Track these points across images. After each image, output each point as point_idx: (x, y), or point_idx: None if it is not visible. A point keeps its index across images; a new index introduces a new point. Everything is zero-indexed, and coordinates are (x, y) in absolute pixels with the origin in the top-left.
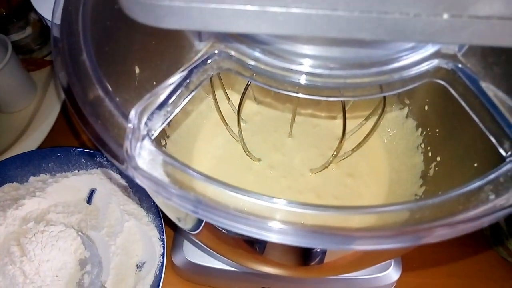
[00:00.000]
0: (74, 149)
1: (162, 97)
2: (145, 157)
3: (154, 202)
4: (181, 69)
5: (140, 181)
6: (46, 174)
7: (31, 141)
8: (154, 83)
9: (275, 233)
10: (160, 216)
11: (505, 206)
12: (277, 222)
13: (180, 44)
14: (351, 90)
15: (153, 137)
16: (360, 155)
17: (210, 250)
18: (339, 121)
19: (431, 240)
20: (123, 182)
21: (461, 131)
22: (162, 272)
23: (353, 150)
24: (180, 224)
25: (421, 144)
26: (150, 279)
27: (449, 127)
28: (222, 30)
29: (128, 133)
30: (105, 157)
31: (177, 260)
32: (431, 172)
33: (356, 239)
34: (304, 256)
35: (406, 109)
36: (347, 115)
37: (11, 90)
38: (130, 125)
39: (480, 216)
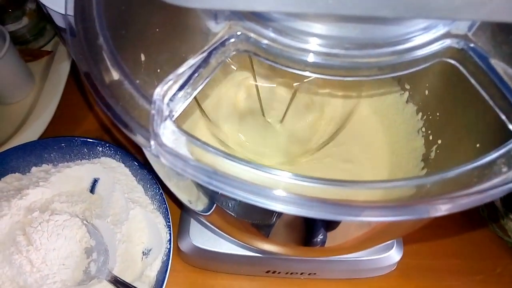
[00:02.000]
0: (76, 138)
1: (183, 79)
2: (169, 137)
3: (159, 190)
4: (201, 51)
5: (166, 159)
6: (48, 164)
7: (32, 132)
8: (173, 65)
9: (283, 202)
10: (165, 203)
11: None
12: (285, 192)
13: (197, 27)
14: (365, 70)
15: (173, 118)
16: (359, 140)
17: (219, 232)
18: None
19: (443, 213)
20: (126, 170)
21: (462, 114)
22: (169, 258)
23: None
24: (191, 206)
25: (421, 128)
26: (157, 265)
27: (450, 111)
28: (249, 9)
29: (153, 114)
30: (108, 146)
31: (184, 246)
32: (433, 154)
33: (366, 209)
34: (311, 234)
35: (406, 94)
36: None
37: (9, 81)
38: (154, 106)
39: (493, 187)
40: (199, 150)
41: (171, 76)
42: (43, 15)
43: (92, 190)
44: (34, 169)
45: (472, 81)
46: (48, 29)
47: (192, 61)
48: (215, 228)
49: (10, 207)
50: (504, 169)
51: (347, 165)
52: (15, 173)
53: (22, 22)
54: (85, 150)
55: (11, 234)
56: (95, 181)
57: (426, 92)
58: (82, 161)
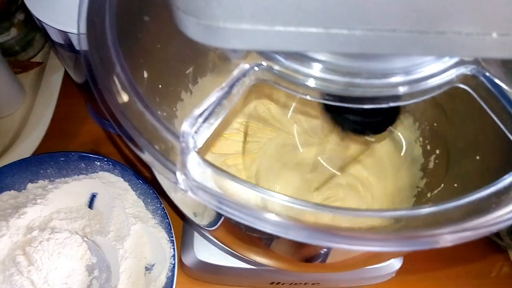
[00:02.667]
0: (73, 153)
1: (208, 111)
2: (195, 170)
3: (160, 204)
4: (224, 83)
5: (194, 194)
6: (44, 180)
7: (26, 147)
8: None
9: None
10: (167, 218)
11: None
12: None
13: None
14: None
15: (196, 149)
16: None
17: (223, 246)
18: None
19: (451, 244)
20: (126, 185)
21: (460, 127)
22: (174, 274)
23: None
24: (196, 220)
25: (419, 137)
26: (162, 281)
27: (447, 122)
28: (283, 49)
29: (182, 148)
30: (106, 161)
31: (187, 260)
32: (431, 164)
33: (372, 240)
34: (316, 254)
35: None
36: None
37: (0, 94)
38: (182, 139)
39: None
40: (223, 181)
41: (198, 109)
42: (32, 26)
43: (90, 205)
44: (30, 185)
45: (484, 106)
46: (37, 40)
47: (217, 93)
48: (219, 243)
49: (8, 226)
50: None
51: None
52: (10, 190)
53: (10, 34)
54: (83, 165)
55: (11, 255)
56: (93, 196)
57: (422, 102)
58: (80, 176)
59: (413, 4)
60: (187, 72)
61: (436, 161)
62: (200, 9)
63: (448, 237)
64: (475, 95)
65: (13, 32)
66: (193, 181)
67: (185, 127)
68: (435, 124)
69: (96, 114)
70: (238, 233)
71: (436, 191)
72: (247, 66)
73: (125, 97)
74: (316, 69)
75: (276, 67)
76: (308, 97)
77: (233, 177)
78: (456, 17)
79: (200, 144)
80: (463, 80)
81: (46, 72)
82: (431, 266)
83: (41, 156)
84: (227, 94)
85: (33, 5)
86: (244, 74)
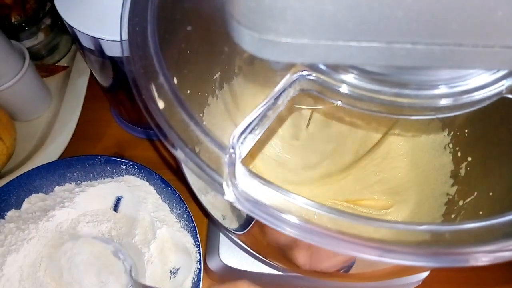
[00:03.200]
0: (100, 157)
1: (255, 122)
2: (242, 181)
3: (186, 208)
4: (271, 94)
5: (242, 205)
6: (71, 183)
7: (53, 150)
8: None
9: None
10: (193, 222)
11: None
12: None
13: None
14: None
15: (241, 159)
16: (382, 155)
17: (250, 251)
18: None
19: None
20: (151, 189)
21: (493, 134)
22: (200, 279)
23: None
24: (224, 223)
25: (448, 144)
26: (187, 285)
27: (479, 129)
28: (341, 63)
29: (229, 159)
30: (131, 165)
31: (212, 264)
32: (462, 172)
33: (403, 254)
34: (346, 265)
35: None
36: None
37: (28, 98)
38: (230, 150)
39: None
40: (269, 192)
41: (246, 120)
42: (58, 31)
43: (115, 208)
44: (57, 188)
45: None
46: (63, 44)
47: (264, 104)
48: (246, 247)
49: (37, 229)
50: None
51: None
52: (38, 193)
53: (37, 38)
54: (109, 168)
55: (39, 259)
56: (118, 200)
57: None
58: (105, 179)
59: (486, 18)
60: (214, 77)
61: (468, 168)
62: (261, 24)
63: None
64: None
65: (40, 36)
66: (242, 192)
67: (233, 139)
68: (466, 131)
69: (120, 117)
70: (266, 237)
71: (469, 199)
72: (294, 77)
73: (169, 107)
74: (364, 81)
75: (323, 78)
76: (355, 109)
77: (279, 188)
78: None
79: (244, 154)
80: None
81: (71, 76)
82: (458, 274)
83: (69, 159)
84: (272, 105)
85: (65, 12)
86: (290, 85)
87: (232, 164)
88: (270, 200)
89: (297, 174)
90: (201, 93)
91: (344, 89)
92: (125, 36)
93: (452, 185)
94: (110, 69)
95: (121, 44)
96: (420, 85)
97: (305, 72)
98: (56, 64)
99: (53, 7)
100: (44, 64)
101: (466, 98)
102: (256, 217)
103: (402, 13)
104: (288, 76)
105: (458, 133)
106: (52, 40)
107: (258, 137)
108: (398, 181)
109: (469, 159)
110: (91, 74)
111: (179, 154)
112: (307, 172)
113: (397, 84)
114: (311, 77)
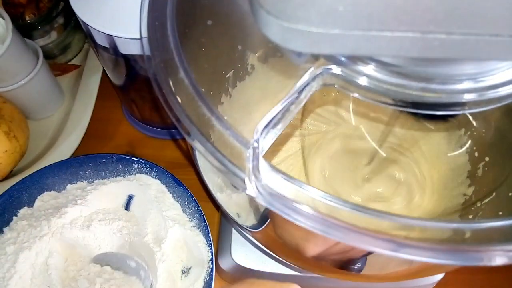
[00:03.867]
0: (112, 155)
1: (278, 117)
2: (265, 176)
3: (198, 207)
4: (294, 89)
5: (266, 201)
6: (83, 182)
7: (65, 148)
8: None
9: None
10: (205, 221)
11: None
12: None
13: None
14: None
15: (263, 154)
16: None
17: (264, 249)
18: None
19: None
20: (163, 187)
21: (510, 132)
22: (212, 278)
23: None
24: (239, 221)
25: (465, 143)
26: (200, 284)
27: (497, 129)
28: (372, 54)
29: (252, 154)
30: (143, 163)
31: (224, 264)
32: (480, 172)
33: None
34: (362, 263)
35: None
36: None
37: (42, 97)
38: (252, 145)
39: None
40: (292, 187)
41: (269, 114)
42: (70, 30)
43: (127, 207)
44: (69, 186)
45: None
46: (75, 43)
47: (286, 98)
48: (261, 245)
49: (50, 226)
50: None
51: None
52: (50, 191)
53: (50, 37)
54: (120, 167)
55: (51, 255)
56: (129, 198)
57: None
58: (117, 178)
59: None
60: (227, 76)
61: (485, 168)
62: (291, 13)
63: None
64: None
65: (53, 35)
66: (265, 186)
67: (256, 134)
68: (483, 131)
69: (132, 116)
70: (284, 236)
71: (487, 200)
72: (318, 71)
73: (189, 102)
74: (388, 75)
75: (347, 72)
76: (380, 104)
77: (302, 184)
78: None
79: (266, 149)
80: None
81: (84, 75)
82: (472, 276)
83: (81, 158)
84: (295, 99)
85: (81, 10)
86: (313, 79)
87: (255, 158)
88: (293, 195)
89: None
90: (214, 92)
91: (368, 83)
92: (144, 32)
93: (469, 186)
94: (123, 66)
95: (141, 42)
96: (445, 80)
97: (330, 66)
98: (69, 63)
99: (66, 6)
100: (56, 63)
101: (492, 94)
102: (278, 212)
103: (438, 2)
104: (311, 69)
105: (475, 133)
106: (65, 39)
107: (280, 131)
108: (415, 181)
109: (487, 159)
110: (103, 73)
111: (200, 147)
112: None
113: (423, 78)
114: (336, 71)
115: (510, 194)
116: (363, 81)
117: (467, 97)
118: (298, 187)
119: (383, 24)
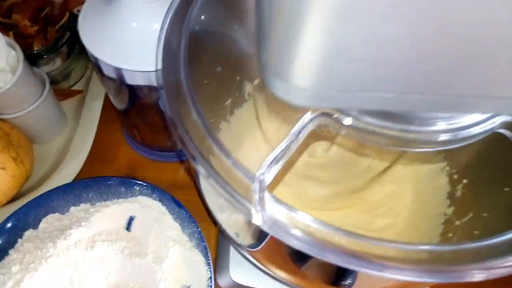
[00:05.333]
0: (115, 178)
1: (280, 154)
2: (270, 207)
3: (197, 228)
4: (295, 130)
5: (271, 229)
6: (86, 204)
7: (69, 172)
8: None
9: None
10: (204, 241)
11: None
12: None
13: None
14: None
15: (266, 186)
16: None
17: (261, 267)
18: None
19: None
20: (163, 209)
21: (487, 160)
22: None
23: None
24: (238, 240)
25: (445, 167)
26: None
27: (474, 155)
28: (360, 107)
29: (258, 187)
30: (145, 186)
31: (222, 281)
32: (459, 193)
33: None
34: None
35: None
36: None
37: (46, 122)
38: (258, 179)
39: None
40: (295, 217)
41: (273, 153)
42: (74, 57)
43: (128, 227)
44: (73, 208)
45: None
46: (78, 69)
47: (288, 139)
48: (258, 264)
49: (55, 247)
50: None
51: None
52: (55, 213)
53: (55, 64)
54: (123, 189)
55: (58, 277)
56: (131, 219)
57: None
58: (119, 200)
59: (484, 75)
60: (226, 104)
61: (464, 190)
62: (304, 78)
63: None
64: None
65: (58, 62)
66: (270, 216)
67: (261, 169)
68: (462, 155)
69: (133, 140)
70: (280, 255)
71: (465, 219)
72: (314, 115)
73: (201, 141)
74: (375, 118)
75: (339, 115)
76: (367, 142)
77: (303, 214)
78: None
79: (269, 182)
80: (502, 126)
81: (86, 100)
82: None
83: (85, 181)
84: (294, 139)
85: (90, 43)
86: (310, 121)
87: (261, 191)
88: (294, 223)
89: (309, 200)
90: (215, 119)
91: (357, 124)
92: (159, 65)
93: (449, 206)
94: (127, 94)
95: (156, 74)
96: (422, 122)
97: (324, 111)
98: (72, 88)
99: (72, 35)
100: (60, 88)
101: (464, 133)
102: (280, 238)
103: (414, 70)
104: (309, 113)
105: (454, 157)
106: (69, 65)
107: (281, 166)
108: (397, 203)
109: (465, 181)
110: (105, 98)
111: (213, 183)
112: (319, 198)
113: (403, 121)
114: (330, 116)
115: (484, 214)
116: (353, 123)
117: (442, 137)
118: (299, 216)
119: (370, 87)
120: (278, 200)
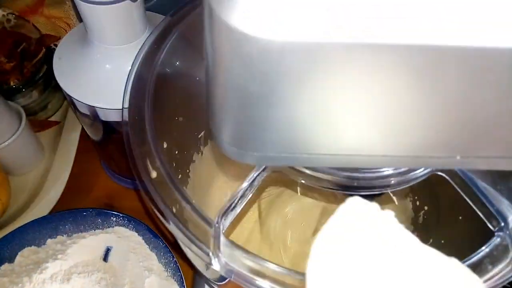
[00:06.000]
0: (91, 210)
1: (235, 202)
2: (225, 252)
3: (173, 258)
4: (249, 177)
5: (227, 274)
6: (63, 236)
7: (45, 203)
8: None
9: None
10: (179, 271)
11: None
12: None
13: None
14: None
15: (223, 233)
16: None
17: None
18: None
19: None
20: (139, 239)
21: (442, 190)
22: None
23: None
24: (206, 274)
25: (409, 193)
26: None
27: (431, 185)
28: (303, 166)
29: (215, 233)
30: (121, 216)
31: None
32: (420, 219)
33: None
34: None
35: None
36: None
37: (23, 154)
38: (215, 226)
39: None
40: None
41: (228, 201)
42: (51, 89)
43: (105, 258)
44: (49, 241)
45: (459, 190)
46: (55, 101)
47: (244, 185)
48: None
49: (31, 281)
50: (490, 267)
51: None
52: (31, 246)
53: (32, 97)
54: (99, 220)
55: None
56: (108, 250)
57: None
58: (96, 231)
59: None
60: (199, 136)
61: (425, 216)
62: (247, 146)
63: None
64: (451, 181)
65: (34, 95)
66: (226, 262)
67: (218, 216)
68: (422, 184)
69: (110, 169)
70: None
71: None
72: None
73: (165, 191)
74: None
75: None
76: (317, 186)
77: (258, 258)
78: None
79: (225, 227)
80: (441, 170)
81: (64, 131)
82: None
83: (62, 213)
84: (249, 186)
85: (64, 82)
86: (264, 169)
87: (217, 236)
88: (248, 267)
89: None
90: (187, 152)
91: (306, 171)
92: (126, 104)
93: (413, 231)
94: (101, 128)
95: (122, 112)
96: (367, 170)
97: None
98: (49, 119)
99: (48, 69)
100: (37, 119)
101: (410, 176)
102: (236, 281)
103: (358, 135)
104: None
105: (416, 185)
106: (46, 98)
107: (238, 212)
108: None
109: (426, 208)
110: (82, 128)
111: (173, 230)
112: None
113: (349, 169)
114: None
115: (442, 241)
116: (302, 170)
117: (388, 180)
118: (253, 260)
119: (311, 149)
120: (234, 244)
